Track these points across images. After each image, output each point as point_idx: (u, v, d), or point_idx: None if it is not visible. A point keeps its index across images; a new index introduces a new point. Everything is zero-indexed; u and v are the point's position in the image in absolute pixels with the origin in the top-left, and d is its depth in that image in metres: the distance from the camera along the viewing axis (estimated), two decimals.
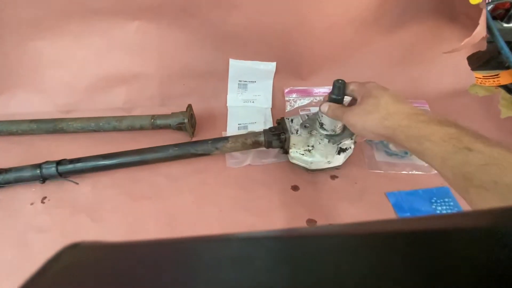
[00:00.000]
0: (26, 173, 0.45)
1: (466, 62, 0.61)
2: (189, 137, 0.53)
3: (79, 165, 0.45)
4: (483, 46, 0.57)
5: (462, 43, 0.47)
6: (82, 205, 0.44)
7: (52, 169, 0.45)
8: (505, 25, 0.58)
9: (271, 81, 0.58)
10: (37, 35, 0.50)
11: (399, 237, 0.09)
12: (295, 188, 0.47)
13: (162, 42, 0.53)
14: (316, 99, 0.58)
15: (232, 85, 0.58)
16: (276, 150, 0.51)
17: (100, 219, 0.43)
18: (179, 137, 0.54)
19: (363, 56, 0.59)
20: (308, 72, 0.59)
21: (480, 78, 0.66)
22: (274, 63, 0.56)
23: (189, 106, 0.53)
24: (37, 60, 0.52)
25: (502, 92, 0.62)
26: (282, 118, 0.47)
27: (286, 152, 0.47)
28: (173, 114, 0.52)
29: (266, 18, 0.50)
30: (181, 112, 0.52)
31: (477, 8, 0.46)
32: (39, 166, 0.45)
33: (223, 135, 0.53)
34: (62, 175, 0.46)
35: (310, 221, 0.43)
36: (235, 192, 0.46)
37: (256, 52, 0.55)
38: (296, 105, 0.58)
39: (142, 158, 0.47)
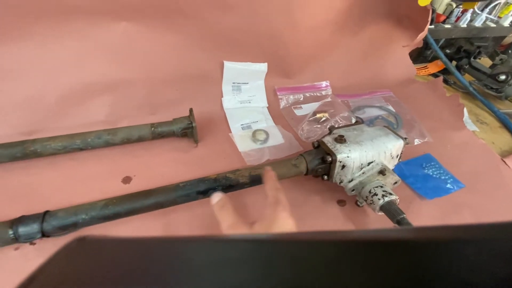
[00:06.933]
0: None
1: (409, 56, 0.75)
2: (194, 143, 0.50)
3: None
4: (421, 44, 0.72)
5: (417, 38, 0.58)
6: None
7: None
8: (430, 26, 0.74)
9: (263, 81, 0.60)
10: None
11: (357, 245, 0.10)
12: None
13: (152, 45, 0.49)
14: (307, 94, 0.62)
15: (226, 88, 0.57)
16: (292, 141, 0.52)
17: None
18: (183, 146, 0.49)
19: (335, 54, 0.66)
20: (294, 70, 0.63)
21: (417, 69, 0.82)
22: (266, 64, 0.58)
23: (191, 110, 0.49)
24: None
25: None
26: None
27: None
28: (175, 120, 0.48)
29: (260, 19, 0.52)
30: (184, 117, 0.48)
31: (418, 11, 0.58)
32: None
33: (230, 137, 0.52)
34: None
35: (340, 201, 0.45)
36: None
37: (248, 53, 0.56)
38: (290, 103, 0.61)
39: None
